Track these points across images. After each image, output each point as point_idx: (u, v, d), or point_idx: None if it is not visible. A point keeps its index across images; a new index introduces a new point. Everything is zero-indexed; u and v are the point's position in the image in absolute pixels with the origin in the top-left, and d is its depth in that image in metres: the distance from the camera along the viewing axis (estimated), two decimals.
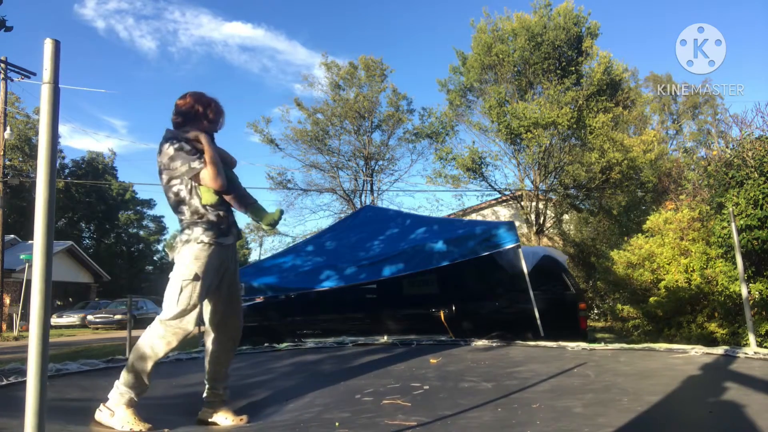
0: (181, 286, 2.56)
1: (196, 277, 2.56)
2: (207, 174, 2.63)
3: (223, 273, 2.72)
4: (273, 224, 2.83)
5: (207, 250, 2.61)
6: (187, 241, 2.63)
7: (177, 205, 2.68)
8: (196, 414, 2.76)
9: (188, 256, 2.60)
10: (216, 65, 72.35)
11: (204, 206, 2.64)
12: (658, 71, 32.52)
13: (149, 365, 2.53)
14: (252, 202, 2.88)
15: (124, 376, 2.53)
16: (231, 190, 2.77)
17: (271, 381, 3.86)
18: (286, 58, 72.57)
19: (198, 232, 2.63)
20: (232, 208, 2.82)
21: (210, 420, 2.71)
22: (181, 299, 2.55)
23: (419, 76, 58.27)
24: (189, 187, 2.65)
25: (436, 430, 2.32)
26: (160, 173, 2.70)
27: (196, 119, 2.75)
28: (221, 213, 2.69)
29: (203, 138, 2.67)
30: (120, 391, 2.50)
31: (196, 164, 2.62)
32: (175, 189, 2.67)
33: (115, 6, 64.50)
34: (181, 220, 2.69)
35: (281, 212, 2.84)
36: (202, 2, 67.35)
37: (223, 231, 2.69)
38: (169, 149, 2.63)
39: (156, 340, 2.54)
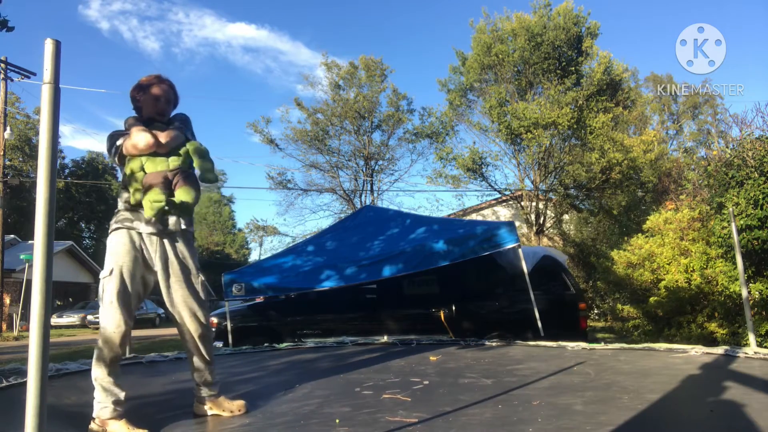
0: (102, 284, 2.48)
1: (111, 272, 2.47)
2: (128, 140, 2.55)
3: (152, 267, 2.58)
4: (183, 207, 2.55)
5: (120, 238, 2.53)
6: (108, 236, 2.58)
7: None
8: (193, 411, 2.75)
9: (107, 250, 2.54)
10: (219, 66, 72.62)
11: (127, 196, 2.59)
12: (658, 71, 32.57)
13: (107, 375, 2.42)
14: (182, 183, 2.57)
15: (96, 389, 2.43)
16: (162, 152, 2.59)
17: (271, 376, 3.88)
18: (289, 59, 72.82)
19: (112, 223, 2.59)
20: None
21: (205, 413, 2.68)
22: (105, 299, 2.46)
23: (419, 76, 58.40)
24: (122, 180, 2.64)
25: (437, 427, 2.32)
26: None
27: (136, 107, 2.72)
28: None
29: (129, 122, 2.65)
30: (101, 406, 2.41)
31: (118, 142, 2.58)
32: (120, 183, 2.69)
33: (120, 7, 64.67)
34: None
35: (192, 196, 2.55)
36: (206, 3, 67.55)
37: (140, 217, 2.56)
38: (106, 144, 2.64)
39: (100, 350, 2.43)
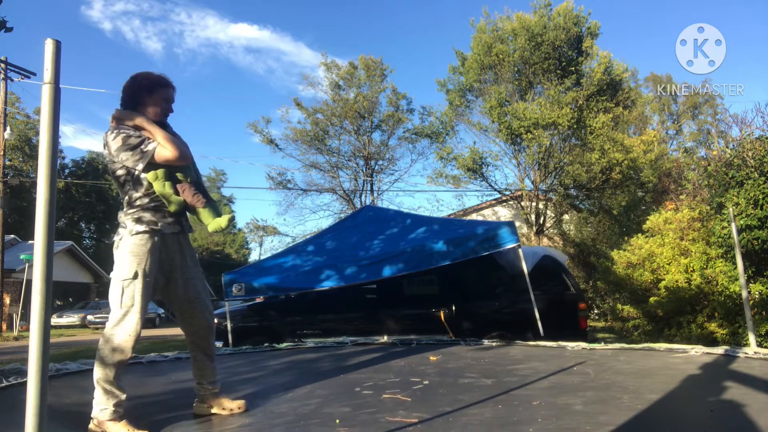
0: (122, 287, 2.44)
1: (135, 275, 2.44)
2: (162, 148, 2.49)
3: (171, 267, 2.61)
4: (219, 230, 2.64)
5: (144, 241, 2.49)
6: (123, 237, 2.51)
7: (122, 196, 2.60)
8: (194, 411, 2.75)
9: (126, 252, 2.47)
10: (221, 66, 72.70)
11: (144, 195, 2.54)
12: (658, 71, 32.57)
13: (111, 378, 2.39)
14: (205, 200, 2.65)
15: (96, 391, 2.40)
16: (190, 174, 2.66)
17: (271, 376, 3.88)
18: (291, 59, 72.91)
19: (131, 224, 2.51)
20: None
21: (206, 412, 2.69)
22: (123, 301, 2.42)
23: (419, 76, 58.43)
24: (132, 177, 2.53)
25: (437, 427, 2.32)
26: (109, 164, 2.59)
27: (138, 103, 2.60)
28: (162, 202, 2.57)
29: (144, 123, 2.54)
30: (100, 407, 2.38)
31: (149, 147, 2.49)
32: (121, 179, 2.56)
33: (122, 8, 64.74)
34: (120, 213, 2.59)
35: (230, 219, 2.62)
36: (208, 4, 67.61)
37: (162, 218, 2.57)
38: (116, 140, 2.50)
39: (108, 353, 2.40)
